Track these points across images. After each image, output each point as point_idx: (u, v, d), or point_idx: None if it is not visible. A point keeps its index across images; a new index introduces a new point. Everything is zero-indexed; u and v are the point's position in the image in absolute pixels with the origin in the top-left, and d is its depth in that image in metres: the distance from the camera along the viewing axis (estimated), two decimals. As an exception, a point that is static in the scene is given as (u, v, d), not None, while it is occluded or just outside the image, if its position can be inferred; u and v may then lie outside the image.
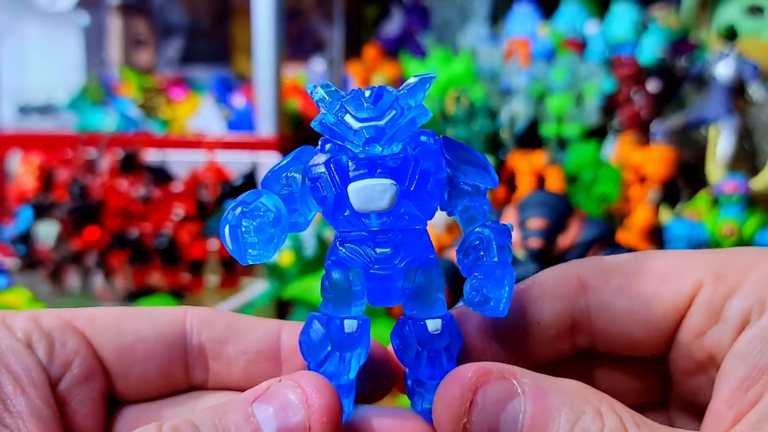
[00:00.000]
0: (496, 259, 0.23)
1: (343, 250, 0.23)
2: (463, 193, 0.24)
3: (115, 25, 1.80)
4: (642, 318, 0.25)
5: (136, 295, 0.98)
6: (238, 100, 1.40)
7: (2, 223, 1.14)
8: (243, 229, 0.23)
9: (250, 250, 0.23)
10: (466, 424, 0.22)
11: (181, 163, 1.12)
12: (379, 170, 0.22)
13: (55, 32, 1.66)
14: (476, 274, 0.23)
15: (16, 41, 1.59)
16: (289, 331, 0.27)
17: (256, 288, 0.96)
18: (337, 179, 0.23)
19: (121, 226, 1.02)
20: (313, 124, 0.24)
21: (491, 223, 0.24)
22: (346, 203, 0.23)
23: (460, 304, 0.25)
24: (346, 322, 0.23)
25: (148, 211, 1.02)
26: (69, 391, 0.25)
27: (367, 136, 0.22)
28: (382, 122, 0.22)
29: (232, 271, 1.01)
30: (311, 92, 0.24)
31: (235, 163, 1.09)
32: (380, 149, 0.23)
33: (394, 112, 0.23)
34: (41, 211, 1.09)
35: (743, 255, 0.25)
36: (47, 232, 1.07)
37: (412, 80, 0.23)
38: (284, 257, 0.86)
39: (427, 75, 0.23)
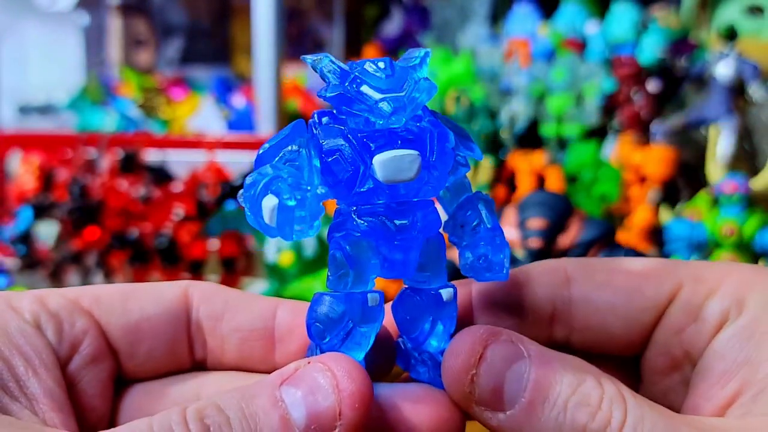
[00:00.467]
0: (490, 226, 0.24)
1: (363, 223, 0.23)
2: (458, 164, 0.24)
3: (115, 25, 1.80)
4: (622, 312, 0.26)
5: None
6: (238, 100, 1.40)
7: (2, 223, 1.14)
8: (292, 204, 0.22)
9: (296, 226, 0.22)
10: (474, 376, 0.22)
11: (181, 163, 1.12)
12: (399, 141, 0.22)
13: (55, 32, 1.66)
14: (480, 242, 0.24)
15: (16, 41, 1.59)
16: (285, 310, 0.27)
17: (256, 288, 0.96)
18: (360, 151, 0.22)
19: (121, 226, 1.02)
20: (327, 94, 0.23)
21: (477, 192, 0.25)
22: (369, 176, 0.22)
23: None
24: (369, 296, 0.23)
25: (148, 211, 1.02)
26: (78, 372, 0.25)
27: (393, 106, 0.22)
28: (403, 93, 0.22)
29: (232, 271, 1.01)
30: (313, 62, 0.23)
31: (235, 163, 1.09)
32: (404, 120, 0.23)
33: (409, 84, 0.23)
34: (41, 211, 1.09)
35: (722, 264, 0.27)
36: (47, 232, 1.07)
37: (413, 55, 0.24)
38: (284, 257, 0.86)
39: (423, 51, 0.24)
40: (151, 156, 1.13)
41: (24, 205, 1.10)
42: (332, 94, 0.23)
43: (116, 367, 0.26)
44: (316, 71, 0.23)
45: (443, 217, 0.25)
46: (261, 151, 0.23)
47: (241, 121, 1.30)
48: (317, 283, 0.79)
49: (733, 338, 0.24)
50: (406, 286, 0.25)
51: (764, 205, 0.85)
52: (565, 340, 0.27)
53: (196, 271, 1.00)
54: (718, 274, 0.26)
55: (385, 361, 0.26)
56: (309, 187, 0.22)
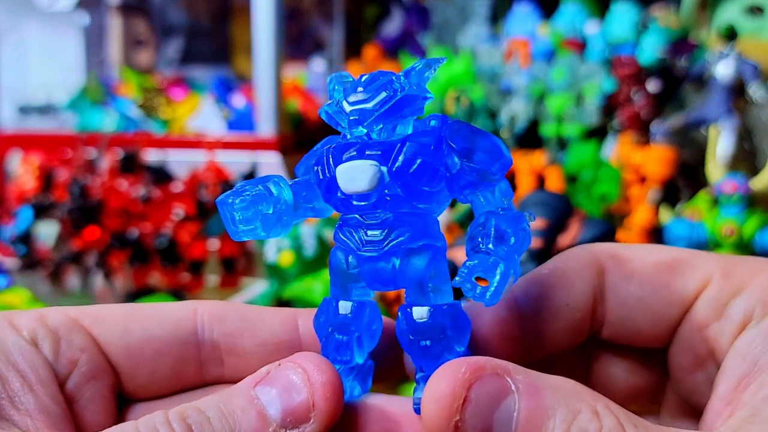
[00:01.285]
0: (491, 246, 0.22)
1: (340, 234, 0.24)
2: (470, 176, 0.23)
3: (115, 25, 1.80)
4: (649, 305, 0.25)
5: (136, 295, 0.98)
6: (238, 100, 1.40)
7: (2, 223, 1.14)
8: (229, 206, 0.24)
9: (240, 226, 0.24)
10: (458, 422, 0.21)
11: (181, 163, 1.12)
12: (368, 152, 0.23)
13: (55, 32, 1.66)
14: (469, 262, 0.22)
15: (16, 41, 1.59)
16: (306, 318, 0.27)
17: (256, 288, 0.96)
18: (331, 162, 0.23)
19: (121, 226, 1.02)
20: (319, 111, 0.24)
21: (502, 209, 0.23)
22: (337, 186, 0.23)
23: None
24: (340, 303, 0.24)
25: (148, 211, 1.02)
26: (78, 389, 0.25)
27: (351, 119, 0.23)
28: (369, 105, 0.23)
29: (232, 271, 1.01)
30: (330, 82, 0.24)
31: (235, 163, 1.09)
32: (364, 131, 0.23)
33: (384, 94, 0.23)
34: (41, 211, 1.09)
35: (752, 261, 0.26)
36: (47, 232, 1.07)
37: (414, 64, 0.24)
38: (284, 257, 0.86)
39: (435, 58, 0.24)
40: (151, 156, 1.13)
41: (24, 205, 1.10)
42: (321, 112, 0.24)
43: (117, 385, 0.26)
44: (329, 90, 0.25)
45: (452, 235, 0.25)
46: (298, 163, 0.26)
47: (241, 121, 1.30)
48: (317, 283, 0.79)
49: (756, 338, 0.23)
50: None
51: (764, 205, 0.85)
52: (595, 331, 0.26)
53: (196, 271, 1.00)
54: (747, 270, 0.25)
55: (389, 367, 0.27)
56: (247, 193, 0.24)
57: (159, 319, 0.27)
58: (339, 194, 0.23)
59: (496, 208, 0.23)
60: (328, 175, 0.23)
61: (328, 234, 0.89)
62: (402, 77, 0.23)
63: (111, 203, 1.03)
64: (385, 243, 0.23)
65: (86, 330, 0.26)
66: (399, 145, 0.23)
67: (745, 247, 0.79)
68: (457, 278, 0.22)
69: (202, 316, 0.27)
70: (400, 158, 0.22)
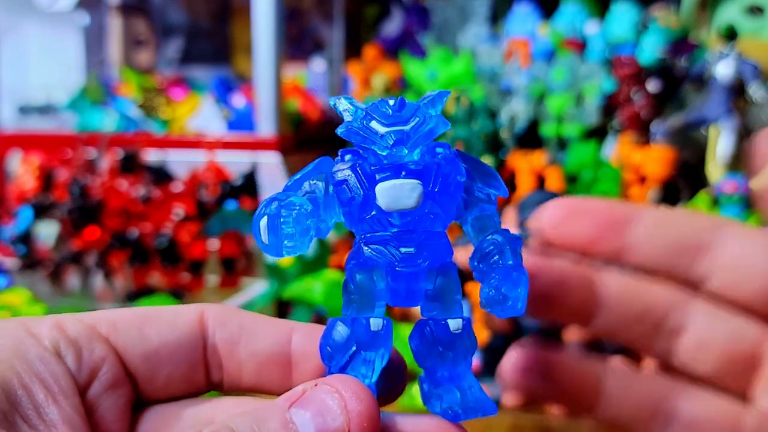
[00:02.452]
0: (510, 262, 0.24)
1: (368, 250, 0.24)
2: (478, 201, 0.25)
3: (115, 25, 1.80)
4: None
5: (136, 295, 0.98)
6: (238, 100, 1.40)
7: (2, 223, 1.14)
8: (281, 220, 0.24)
9: (286, 242, 0.24)
10: None
11: (181, 163, 1.12)
12: (404, 173, 0.24)
13: (55, 32, 1.66)
14: (494, 275, 0.24)
15: (16, 41, 1.59)
16: (300, 334, 0.27)
17: (256, 288, 0.96)
18: (364, 180, 0.24)
19: (121, 226, 1.02)
20: (339, 131, 0.25)
21: (502, 230, 0.25)
22: (372, 204, 0.24)
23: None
24: (372, 320, 0.24)
25: (148, 211, 1.02)
26: (97, 399, 0.25)
27: (395, 138, 0.24)
28: (407, 127, 0.24)
29: (232, 271, 1.01)
30: (334, 104, 0.25)
31: (235, 163, 1.09)
32: (406, 152, 0.24)
33: (417, 119, 0.24)
34: (41, 211, 1.09)
35: None
36: (47, 232, 1.07)
37: (430, 94, 0.25)
38: (284, 258, 0.86)
39: (444, 90, 0.25)
40: (151, 156, 1.13)
41: (24, 205, 1.10)
42: (343, 130, 0.25)
43: (134, 393, 0.26)
44: (336, 111, 0.25)
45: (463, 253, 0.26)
46: (287, 183, 0.25)
47: (241, 121, 1.30)
48: (317, 283, 0.79)
49: None
50: (422, 317, 0.25)
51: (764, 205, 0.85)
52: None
53: (196, 271, 1.00)
54: None
55: (393, 388, 0.27)
56: (298, 206, 0.24)
57: (171, 323, 0.27)
58: (373, 212, 0.24)
59: (497, 228, 0.25)
60: (361, 193, 0.24)
61: (329, 234, 0.89)
62: (426, 104, 0.25)
63: (111, 203, 1.03)
64: (420, 260, 0.24)
65: (105, 338, 0.26)
66: (436, 167, 0.24)
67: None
68: (487, 291, 0.24)
69: (208, 320, 0.27)
70: (440, 179, 0.24)
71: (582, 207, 0.26)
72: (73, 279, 1.07)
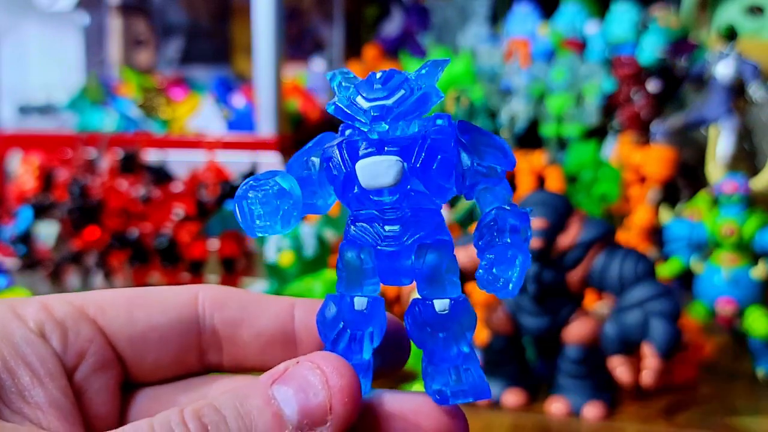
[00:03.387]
0: (508, 240, 0.23)
1: (354, 229, 0.24)
2: (478, 174, 0.24)
3: (115, 25, 1.80)
4: None
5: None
6: (238, 100, 1.40)
7: (2, 223, 1.14)
8: (248, 201, 0.24)
9: (257, 221, 0.24)
10: None
11: (181, 163, 1.12)
12: (387, 148, 0.23)
13: (55, 32, 1.66)
14: (488, 255, 0.23)
15: (16, 41, 1.59)
16: (302, 310, 0.27)
17: (256, 288, 0.96)
18: (347, 158, 0.23)
19: (121, 226, 1.02)
20: (327, 106, 0.24)
21: (509, 205, 0.24)
22: (355, 181, 0.23)
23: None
24: (356, 299, 0.24)
25: (148, 211, 1.02)
26: (85, 381, 0.25)
27: (374, 115, 0.23)
28: (389, 101, 0.23)
29: (232, 271, 1.01)
30: (330, 78, 0.24)
31: (235, 163, 1.09)
32: (386, 127, 0.23)
33: (402, 92, 0.23)
34: (41, 211, 1.09)
35: None
36: (47, 232, 1.07)
37: (425, 63, 0.24)
38: (284, 257, 0.86)
39: (441, 59, 0.24)
40: (151, 156, 1.13)
41: (24, 205, 1.10)
42: (330, 107, 0.24)
43: (123, 374, 0.26)
44: (332, 86, 0.25)
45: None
46: (290, 160, 0.25)
47: (241, 121, 1.30)
48: (317, 283, 0.79)
49: None
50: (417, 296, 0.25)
51: (764, 205, 0.85)
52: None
53: (196, 271, 1.00)
54: None
55: (396, 358, 0.27)
56: (268, 188, 0.24)
57: (162, 305, 0.27)
58: (356, 189, 0.23)
59: (502, 204, 0.24)
60: (344, 170, 0.24)
61: (328, 234, 0.89)
62: (413, 77, 0.24)
63: (111, 203, 1.03)
64: (405, 238, 0.24)
65: (92, 320, 0.26)
66: (420, 141, 0.23)
67: (745, 247, 0.79)
68: (479, 271, 0.23)
69: (203, 302, 0.27)
70: (423, 155, 0.23)
71: None
72: (73, 279, 1.07)
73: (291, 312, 0.27)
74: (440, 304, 0.23)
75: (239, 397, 0.22)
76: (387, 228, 0.24)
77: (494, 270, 0.23)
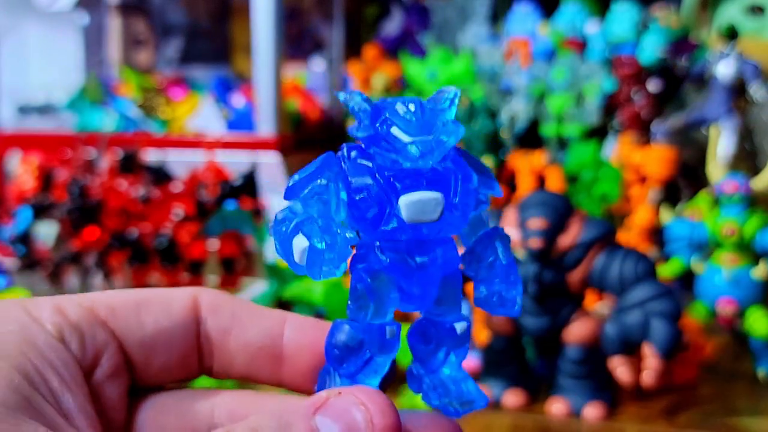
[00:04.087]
0: (505, 262, 0.25)
1: (385, 258, 0.24)
2: (479, 203, 0.25)
3: (114, 25, 1.80)
4: None
5: (135, 295, 0.97)
6: (238, 100, 1.40)
7: (2, 223, 1.14)
8: (321, 246, 0.23)
9: (324, 267, 0.24)
10: None
11: (181, 163, 1.12)
12: (425, 182, 0.23)
13: (55, 32, 1.66)
14: (492, 277, 0.25)
15: (16, 41, 1.59)
16: (292, 327, 0.27)
17: (256, 288, 0.96)
18: (386, 190, 0.23)
19: (120, 226, 1.02)
20: (358, 134, 0.23)
21: (495, 228, 0.25)
22: (393, 215, 0.23)
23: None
24: (388, 328, 0.24)
25: (148, 211, 1.02)
26: (100, 386, 0.25)
27: (421, 150, 0.23)
28: (430, 137, 0.23)
29: (232, 271, 1.00)
30: (345, 99, 0.24)
31: (235, 163, 1.09)
32: (431, 164, 0.23)
33: (438, 127, 0.23)
34: (41, 211, 1.08)
35: None
36: (47, 232, 1.07)
37: (443, 96, 0.24)
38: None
39: (454, 90, 0.24)
40: (150, 156, 1.13)
41: (23, 205, 1.10)
42: (364, 135, 0.23)
43: (131, 379, 0.26)
44: (347, 108, 0.24)
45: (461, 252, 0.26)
46: (291, 183, 0.24)
47: (241, 121, 1.30)
48: (317, 284, 0.79)
49: None
50: (422, 316, 0.26)
51: (765, 205, 0.85)
52: None
53: (196, 271, 1.00)
54: None
55: (384, 381, 0.27)
56: (339, 230, 0.24)
57: (167, 308, 0.26)
58: (395, 223, 0.23)
59: (486, 228, 0.26)
60: (384, 203, 0.23)
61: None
62: (442, 109, 0.24)
63: (110, 203, 1.03)
64: (432, 269, 0.24)
65: (105, 323, 0.25)
66: (454, 176, 0.24)
67: (746, 247, 0.78)
68: (485, 294, 0.25)
69: (201, 305, 0.27)
70: (459, 189, 0.24)
71: None
72: (72, 279, 1.07)
73: (281, 327, 0.27)
74: (460, 327, 0.25)
75: (282, 426, 0.22)
76: (418, 259, 0.24)
77: (502, 293, 0.25)
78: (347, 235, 0.24)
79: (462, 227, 0.24)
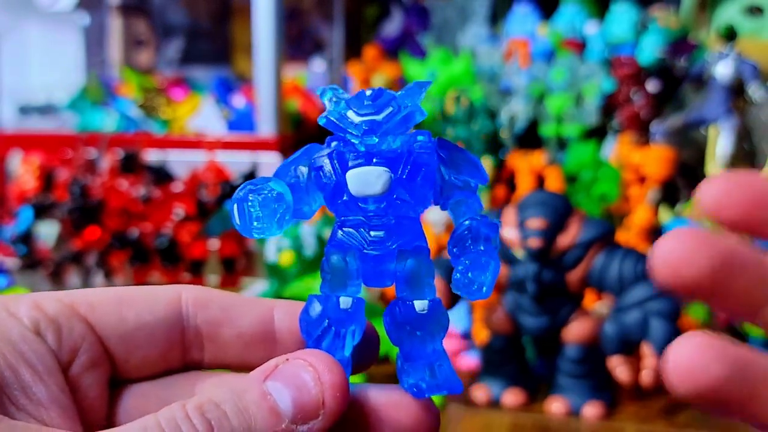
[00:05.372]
0: (482, 248, 0.26)
1: (341, 233, 0.26)
2: (453, 187, 0.26)
3: (115, 25, 1.80)
4: None
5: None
6: (239, 101, 1.40)
7: (3, 223, 1.14)
8: (248, 204, 0.26)
9: (255, 224, 0.26)
10: None
11: (182, 163, 1.12)
12: (375, 160, 0.25)
13: (56, 32, 1.66)
14: (463, 260, 0.26)
15: (17, 41, 1.59)
16: (281, 311, 0.28)
17: (256, 288, 0.96)
18: (338, 167, 0.25)
19: (121, 225, 1.02)
20: (319, 119, 0.26)
21: (480, 217, 0.26)
22: (344, 189, 0.25)
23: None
24: (341, 299, 0.26)
25: (149, 211, 1.02)
26: (78, 378, 0.25)
27: (365, 128, 0.25)
28: (379, 117, 0.25)
29: (232, 271, 1.01)
30: (321, 93, 0.27)
31: (235, 163, 1.09)
32: (376, 140, 0.25)
33: (390, 108, 0.25)
34: (42, 211, 1.09)
35: None
36: (48, 231, 1.07)
37: (410, 84, 0.26)
38: (284, 257, 0.86)
39: (424, 81, 0.27)
40: (151, 156, 1.13)
41: (24, 205, 1.10)
42: (322, 119, 0.26)
43: (111, 370, 0.27)
44: (323, 101, 0.27)
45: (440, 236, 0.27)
46: (278, 168, 0.27)
47: (242, 121, 1.30)
48: (317, 283, 0.79)
49: None
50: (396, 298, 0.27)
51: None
52: None
53: (196, 271, 1.00)
54: None
55: (366, 358, 0.28)
56: (267, 192, 0.26)
57: (149, 303, 0.27)
58: (345, 197, 0.25)
59: (475, 215, 0.26)
60: (334, 179, 0.26)
61: (328, 234, 0.89)
62: (402, 94, 0.26)
63: (111, 203, 1.03)
64: (389, 243, 0.26)
65: (83, 317, 0.26)
66: (406, 155, 0.25)
67: (745, 247, 0.79)
68: (455, 275, 0.26)
69: (186, 301, 0.28)
70: (408, 167, 0.25)
71: (746, 181, 0.21)
72: (73, 279, 1.07)
73: (271, 313, 0.28)
74: (420, 305, 0.26)
75: (237, 393, 0.23)
76: (372, 233, 0.26)
77: (470, 274, 0.25)
78: (304, 209, 0.26)
79: (420, 206, 0.26)
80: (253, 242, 1.00)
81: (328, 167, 0.26)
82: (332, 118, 0.26)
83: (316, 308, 0.26)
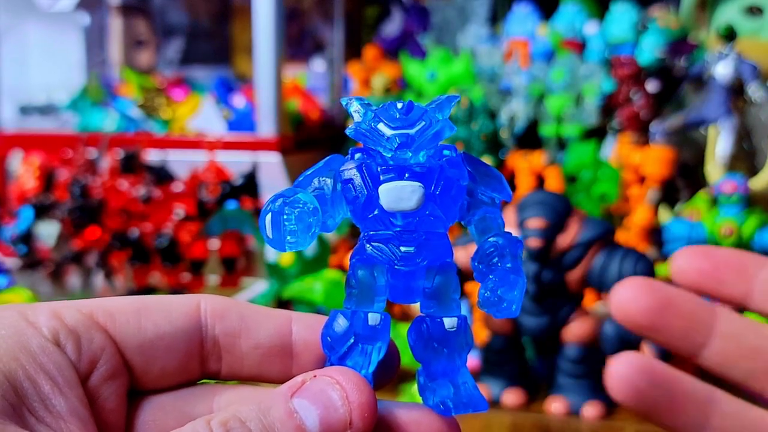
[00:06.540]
0: (509, 266, 0.25)
1: (370, 248, 0.25)
2: (481, 203, 0.26)
3: (115, 25, 1.80)
4: None
5: (136, 294, 0.98)
6: (239, 101, 1.40)
7: (3, 223, 1.14)
8: (284, 217, 0.25)
9: (288, 237, 0.25)
10: None
11: (182, 163, 1.12)
12: (407, 175, 0.25)
13: (56, 32, 1.66)
14: (491, 277, 0.25)
15: (17, 41, 1.59)
16: (300, 324, 0.28)
17: (257, 288, 0.96)
18: (369, 181, 0.25)
19: (121, 225, 1.02)
20: (348, 131, 0.26)
21: (504, 233, 0.26)
22: (376, 203, 0.25)
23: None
24: (370, 315, 0.25)
25: (149, 211, 1.02)
26: (97, 389, 0.25)
27: (399, 142, 0.25)
28: (412, 131, 0.25)
29: (233, 270, 1.01)
30: (346, 104, 0.26)
31: (235, 163, 1.09)
32: (410, 155, 0.25)
33: (423, 123, 0.25)
34: (42, 210, 1.09)
35: None
36: (48, 231, 1.07)
37: (439, 97, 0.26)
38: (284, 257, 0.86)
39: (452, 95, 0.26)
40: (151, 156, 1.13)
41: (25, 205, 1.10)
42: (351, 131, 0.26)
43: (130, 381, 0.27)
44: (347, 111, 0.26)
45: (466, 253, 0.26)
46: (299, 178, 0.27)
47: (242, 121, 1.30)
48: (317, 283, 0.79)
49: None
50: (421, 314, 0.26)
51: (763, 205, 0.85)
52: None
53: (197, 270, 1.00)
54: None
55: (385, 375, 0.27)
56: (302, 204, 0.25)
57: (168, 314, 0.27)
58: (376, 212, 0.25)
59: (499, 231, 0.26)
60: (365, 192, 0.25)
61: (329, 234, 0.89)
62: (433, 108, 0.26)
63: (112, 203, 1.03)
64: (419, 259, 0.25)
65: (103, 328, 0.26)
66: (438, 170, 0.25)
67: (745, 247, 0.79)
68: (484, 293, 0.25)
69: (205, 311, 0.27)
70: (441, 183, 0.25)
71: (711, 254, 0.25)
72: (73, 279, 1.07)
73: (289, 326, 0.28)
74: (449, 322, 0.25)
75: (262, 410, 0.22)
76: (403, 249, 0.25)
77: (499, 292, 0.25)
78: (311, 207, 0.26)
79: (448, 222, 0.25)
80: (254, 242, 1.00)
81: (358, 180, 0.25)
82: (363, 130, 0.25)
83: (342, 324, 0.25)
